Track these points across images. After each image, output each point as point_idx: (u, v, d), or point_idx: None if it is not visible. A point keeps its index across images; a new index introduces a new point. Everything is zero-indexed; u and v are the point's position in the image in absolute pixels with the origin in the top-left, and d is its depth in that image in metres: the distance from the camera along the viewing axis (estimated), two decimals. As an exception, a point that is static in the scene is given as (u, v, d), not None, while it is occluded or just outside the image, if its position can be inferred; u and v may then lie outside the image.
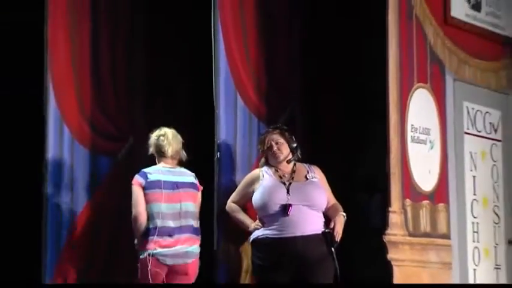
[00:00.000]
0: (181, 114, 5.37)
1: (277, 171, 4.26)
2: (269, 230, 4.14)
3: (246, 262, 4.65)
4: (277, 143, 4.22)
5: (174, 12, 5.38)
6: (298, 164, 4.37)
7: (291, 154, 4.30)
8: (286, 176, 4.28)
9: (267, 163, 4.34)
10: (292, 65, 5.24)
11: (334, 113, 5.17)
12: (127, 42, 5.27)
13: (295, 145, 4.33)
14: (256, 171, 4.39)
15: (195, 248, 4.13)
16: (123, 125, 5.12)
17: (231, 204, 4.37)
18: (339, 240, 4.15)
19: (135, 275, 4.53)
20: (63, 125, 4.65)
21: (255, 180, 4.32)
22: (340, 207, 4.33)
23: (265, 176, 4.27)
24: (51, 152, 4.53)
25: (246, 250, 4.60)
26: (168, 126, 4.79)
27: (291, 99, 5.18)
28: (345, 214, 4.25)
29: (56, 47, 4.51)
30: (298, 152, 4.38)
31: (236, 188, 4.55)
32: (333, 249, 4.11)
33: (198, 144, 4.68)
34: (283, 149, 4.24)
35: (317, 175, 4.32)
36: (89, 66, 4.87)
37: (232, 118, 4.70)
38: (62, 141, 4.69)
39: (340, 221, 4.18)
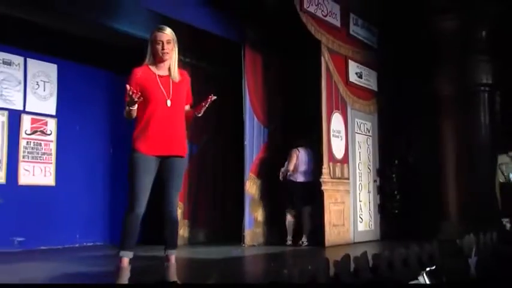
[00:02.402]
0: (228, 126, 7.97)
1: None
2: None
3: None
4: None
5: (227, 83, 7.69)
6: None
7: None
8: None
9: None
10: (276, 103, 7.79)
11: (295, 125, 7.41)
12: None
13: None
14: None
15: None
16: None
17: None
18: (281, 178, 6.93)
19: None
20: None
21: None
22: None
23: None
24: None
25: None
26: (221, 132, 7.47)
27: (276, 118, 7.75)
28: (283, 170, 7.00)
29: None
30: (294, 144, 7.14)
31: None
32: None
33: (237, 139, 7.28)
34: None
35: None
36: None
37: (252, 126, 7.23)
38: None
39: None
